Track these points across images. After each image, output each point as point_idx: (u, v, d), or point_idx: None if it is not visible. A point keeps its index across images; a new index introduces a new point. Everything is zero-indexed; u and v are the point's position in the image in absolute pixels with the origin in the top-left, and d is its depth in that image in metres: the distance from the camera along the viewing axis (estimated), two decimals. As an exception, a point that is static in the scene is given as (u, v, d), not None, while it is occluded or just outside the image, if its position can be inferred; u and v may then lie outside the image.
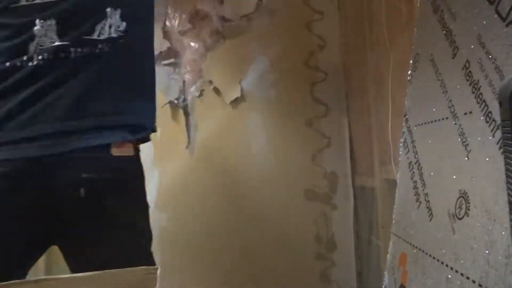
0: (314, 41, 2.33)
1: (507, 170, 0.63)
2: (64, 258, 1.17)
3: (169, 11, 2.35)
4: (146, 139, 1.26)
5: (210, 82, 2.34)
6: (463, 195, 0.97)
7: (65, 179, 1.09)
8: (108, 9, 1.16)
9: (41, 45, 1.12)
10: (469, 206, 0.94)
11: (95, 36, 1.14)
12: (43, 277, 0.82)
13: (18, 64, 1.13)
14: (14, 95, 1.11)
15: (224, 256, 2.25)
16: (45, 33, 1.13)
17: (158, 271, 0.80)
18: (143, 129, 1.23)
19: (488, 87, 0.91)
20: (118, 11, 1.17)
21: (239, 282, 2.23)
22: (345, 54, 2.30)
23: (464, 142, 0.99)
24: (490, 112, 0.90)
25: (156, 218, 2.07)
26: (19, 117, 1.10)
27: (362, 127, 2.08)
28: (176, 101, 2.34)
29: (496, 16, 0.90)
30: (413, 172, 1.28)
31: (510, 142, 0.62)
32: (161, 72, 2.31)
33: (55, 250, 1.20)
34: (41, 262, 1.99)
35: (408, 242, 1.26)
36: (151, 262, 1.12)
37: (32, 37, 1.13)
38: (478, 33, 0.97)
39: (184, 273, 2.21)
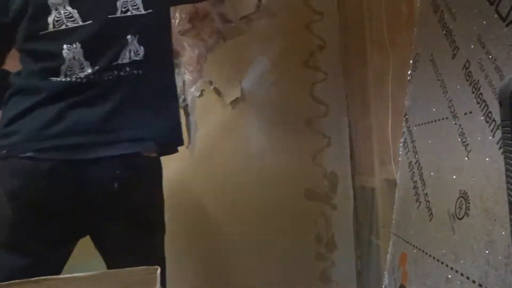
0: (314, 42, 2.33)
1: (507, 170, 0.63)
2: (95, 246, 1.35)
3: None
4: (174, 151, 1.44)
5: (210, 82, 2.34)
6: (463, 195, 0.97)
7: (97, 176, 1.24)
8: (129, 36, 1.29)
9: (70, 67, 1.27)
10: (469, 206, 0.94)
11: (120, 61, 1.28)
12: (43, 277, 0.82)
13: (53, 80, 1.27)
14: (51, 107, 1.25)
15: (224, 256, 2.25)
16: (73, 56, 1.26)
17: (158, 271, 0.81)
18: (169, 145, 1.40)
19: (488, 87, 0.91)
20: (137, 37, 1.30)
21: (239, 282, 2.23)
22: (345, 54, 2.30)
23: (464, 142, 1.00)
24: (490, 112, 0.90)
25: (156, 218, 2.07)
26: (55, 127, 1.23)
27: (362, 127, 2.08)
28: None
29: (496, 16, 0.90)
30: (413, 172, 1.28)
31: (510, 142, 0.62)
32: (161, 72, 2.31)
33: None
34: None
35: (408, 242, 1.26)
36: (163, 255, 1.39)
37: (62, 61, 1.27)
38: (478, 33, 0.97)
39: (183, 272, 2.21)
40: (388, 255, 1.40)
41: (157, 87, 1.35)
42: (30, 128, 1.24)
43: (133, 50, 1.30)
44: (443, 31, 1.15)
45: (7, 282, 0.79)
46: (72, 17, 1.28)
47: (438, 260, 1.06)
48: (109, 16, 1.29)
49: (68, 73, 1.26)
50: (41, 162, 1.22)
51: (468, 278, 0.91)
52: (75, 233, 1.33)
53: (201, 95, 2.34)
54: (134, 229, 1.31)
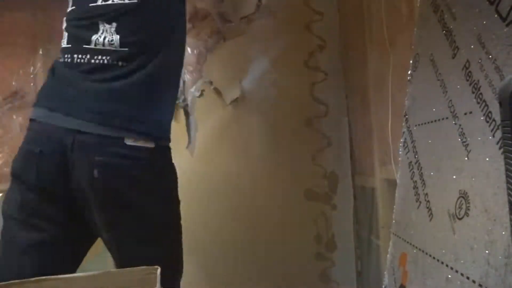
0: (314, 42, 2.33)
1: (507, 170, 0.63)
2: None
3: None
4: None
5: (210, 82, 2.34)
6: (463, 195, 0.97)
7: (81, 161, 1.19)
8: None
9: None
10: (469, 206, 0.94)
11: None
12: (43, 277, 0.82)
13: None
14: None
15: (224, 256, 2.25)
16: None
17: (158, 271, 0.81)
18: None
19: (488, 87, 0.91)
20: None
21: (238, 282, 2.23)
22: (345, 54, 2.30)
23: (464, 142, 1.00)
24: (490, 112, 0.90)
25: (156, 218, 2.07)
26: (67, 93, 1.24)
27: (362, 127, 2.08)
28: (176, 102, 2.34)
29: (496, 16, 0.90)
30: (413, 172, 1.28)
31: (510, 142, 0.62)
32: (161, 72, 2.31)
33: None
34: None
35: (408, 242, 1.26)
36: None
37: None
38: (478, 33, 0.97)
39: (184, 273, 2.21)
40: (388, 255, 1.40)
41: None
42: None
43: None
44: (443, 31, 1.15)
45: (7, 282, 0.79)
46: None
47: (438, 260, 1.06)
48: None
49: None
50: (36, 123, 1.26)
51: (468, 278, 0.91)
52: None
53: (201, 95, 2.34)
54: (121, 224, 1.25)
